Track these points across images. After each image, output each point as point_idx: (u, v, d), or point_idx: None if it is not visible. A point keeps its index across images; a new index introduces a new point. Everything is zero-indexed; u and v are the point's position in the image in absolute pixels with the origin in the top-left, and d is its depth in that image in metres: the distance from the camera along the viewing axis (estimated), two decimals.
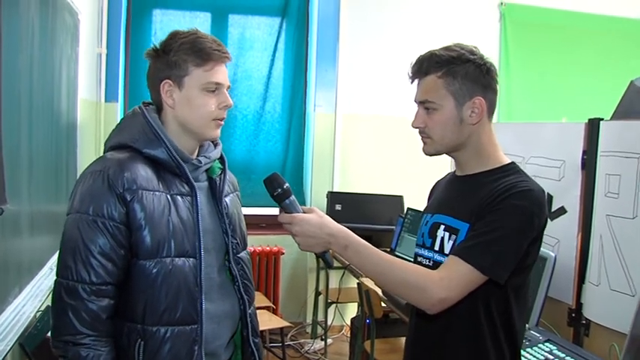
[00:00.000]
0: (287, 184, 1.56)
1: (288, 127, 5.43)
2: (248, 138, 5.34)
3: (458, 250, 1.53)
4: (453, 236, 1.60)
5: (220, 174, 1.78)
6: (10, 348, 1.93)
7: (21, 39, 2.19)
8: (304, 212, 1.54)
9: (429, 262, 1.67)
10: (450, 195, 1.73)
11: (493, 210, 1.52)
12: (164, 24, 5.07)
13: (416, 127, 1.66)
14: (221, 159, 1.82)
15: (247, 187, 4.95)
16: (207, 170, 1.76)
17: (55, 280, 1.55)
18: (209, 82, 1.63)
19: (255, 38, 5.33)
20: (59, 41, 2.92)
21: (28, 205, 2.35)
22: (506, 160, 1.66)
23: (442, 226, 1.65)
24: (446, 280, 1.49)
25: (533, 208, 1.52)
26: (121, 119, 1.72)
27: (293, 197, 1.56)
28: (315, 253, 1.59)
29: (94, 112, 4.47)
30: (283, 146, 5.43)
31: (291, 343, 4.96)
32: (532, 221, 1.53)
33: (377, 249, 1.56)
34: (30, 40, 2.33)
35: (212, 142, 1.78)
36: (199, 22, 5.18)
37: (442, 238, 1.64)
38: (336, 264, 4.65)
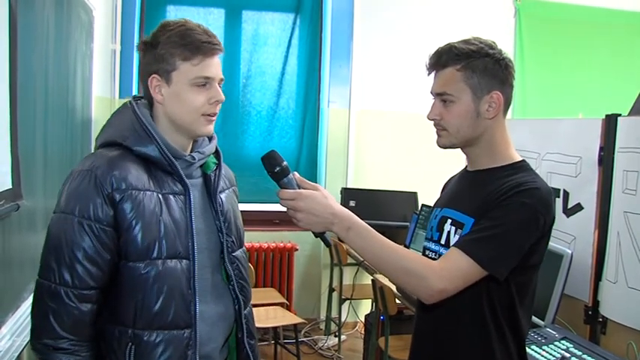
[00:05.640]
0: (285, 162, 1.52)
1: (302, 124, 5.43)
2: (262, 134, 5.35)
3: (460, 242, 1.53)
4: (459, 230, 1.61)
5: (215, 169, 1.70)
6: (27, 343, 1.94)
7: (36, 36, 2.20)
8: (307, 189, 1.52)
9: (436, 255, 1.67)
10: (459, 189, 1.74)
11: (498, 206, 1.52)
12: None
13: (431, 119, 1.65)
14: (216, 153, 1.74)
15: (261, 183, 4.93)
16: (201, 166, 1.68)
17: (37, 280, 1.49)
18: (197, 77, 1.53)
19: (268, 34, 5.33)
20: (74, 38, 2.93)
21: (43, 201, 2.36)
22: (518, 158, 1.65)
23: (449, 220, 1.66)
24: (445, 271, 1.48)
25: (539, 207, 1.51)
26: (111, 115, 1.63)
27: (292, 175, 1.52)
28: (314, 233, 1.55)
29: (108, 109, 4.48)
30: (297, 142, 5.43)
31: (304, 339, 4.97)
32: (537, 220, 1.51)
33: (380, 234, 1.55)
34: (45, 38, 2.34)
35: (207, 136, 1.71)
36: (213, 18, 5.20)
37: (448, 232, 1.64)
38: (349, 260, 4.70)
